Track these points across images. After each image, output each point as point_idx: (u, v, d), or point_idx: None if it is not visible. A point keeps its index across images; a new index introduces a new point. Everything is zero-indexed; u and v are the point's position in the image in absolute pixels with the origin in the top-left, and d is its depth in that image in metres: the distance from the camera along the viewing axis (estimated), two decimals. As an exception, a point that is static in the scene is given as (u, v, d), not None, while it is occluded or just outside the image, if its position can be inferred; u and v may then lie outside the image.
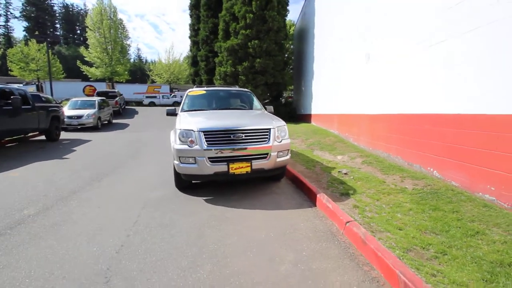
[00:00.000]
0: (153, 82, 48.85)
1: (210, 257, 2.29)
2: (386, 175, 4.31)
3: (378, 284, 1.92)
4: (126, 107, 23.16)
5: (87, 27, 28.21)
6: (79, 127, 12.48)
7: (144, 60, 78.92)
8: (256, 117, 4.35)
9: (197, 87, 5.98)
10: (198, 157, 3.55)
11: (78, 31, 65.51)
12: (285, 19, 14.19)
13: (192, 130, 3.62)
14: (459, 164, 3.45)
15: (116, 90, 20.66)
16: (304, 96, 13.90)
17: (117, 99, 18.52)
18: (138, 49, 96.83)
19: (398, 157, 4.92)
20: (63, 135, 10.09)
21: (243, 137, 3.66)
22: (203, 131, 3.59)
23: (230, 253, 2.35)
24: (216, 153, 3.55)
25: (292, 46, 19.25)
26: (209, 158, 3.55)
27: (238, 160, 3.63)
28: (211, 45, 17.17)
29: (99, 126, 13.17)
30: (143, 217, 3.14)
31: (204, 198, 3.77)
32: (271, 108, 5.37)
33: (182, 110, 4.86)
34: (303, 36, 14.53)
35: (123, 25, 29.83)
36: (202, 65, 17.64)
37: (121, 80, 32.85)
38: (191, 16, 21.37)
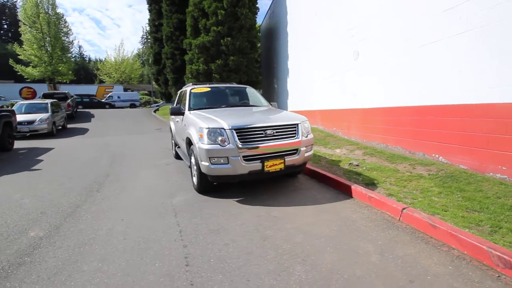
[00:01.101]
0: (101, 82, 44.76)
1: (293, 257, 2.19)
2: (395, 164, 4.61)
3: (466, 261, 2.05)
4: (78, 110, 20.86)
5: (20, 21, 24.64)
6: (28, 134, 10.89)
7: (87, 59, 71.87)
8: (277, 113, 4.29)
9: (193, 84, 5.64)
10: (232, 156, 3.35)
11: (5, 26, 56.69)
12: (256, 17, 14.21)
13: (223, 128, 3.41)
14: (467, 149, 3.86)
15: (66, 92, 18.42)
16: (278, 94, 14.12)
17: (69, 101, 16.54)
18: (80, 47, 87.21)
19: (398, 147, 5.31)
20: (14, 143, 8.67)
21: (274, 134, 3.57)
22: (235, 129, 3.41)
23: (309, 251, 2.28)
24: (251, 151, 3.40)
25: (258, 44, 19.35)
26: (243, 157, 3.38)
27: (272, 157, 3.53)
28: (177, 42, 16.37)
29: (54, 132, 11.65)
30: (184, 225, 2.87)
31: (235, 199, 3.59)
32: (275, 104, 5.34)
33: (190, 109, 4.55)
34: (273, 34, 14.72)
35: (65, 20, 26.75)
36: (168, 62, 16.67)
37: (65, 81, 29.46)
38: (150, 11, 20.03)
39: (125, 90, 38.89)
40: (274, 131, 3.58)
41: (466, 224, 2.51)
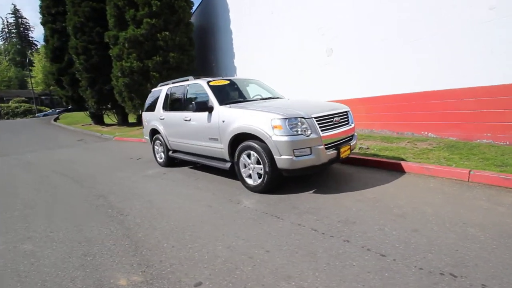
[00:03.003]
0: None
1: (456, 223, 2.35)
2: (396, 143, 5.38)
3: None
4: None
5: None
6: None
7: None
8: (316, 102, 4.32)
9: (195, 78, 4.99)
10: (316, 146, 3.23)
11: None
12: (192, 12, 13.41)
13: (303, 117, 3.22)
14: (455, 124, 4.93)
15: None
16: (223, 93, 13.80)
17: None
18: None
19: (384, 130, 6.19)
20: None
21: (340, 121, 3.63)
22: (315, 118, 3.28)
23: (451, 214, 2.49)
24: (329, 139, 3.36)
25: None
26: (325, 145, 3.30)
27: (343, 143, 3.59)
28: (91, 34, 13.70)
29: None
30: (298, 231, 2.61)
31: (309, 192, 3.45)
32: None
33: (222, 103, 4.04)
34: (209, 31, 14.25)
35: None
36: (80, 59, 13.64)
37: None
38: (43, -5, 15.90)
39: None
40: (340, 118, 3.64)
41: (513, 175, 3.26)
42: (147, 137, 6.17)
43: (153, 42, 12.04)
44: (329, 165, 3.63)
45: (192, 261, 2.16)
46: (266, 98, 4.59)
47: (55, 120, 18.83)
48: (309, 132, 3.21)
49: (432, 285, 1.70)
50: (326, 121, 3.41)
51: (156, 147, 5.88)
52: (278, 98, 4.73)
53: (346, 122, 3.79)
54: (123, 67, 11.88)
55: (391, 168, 4.11)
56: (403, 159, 4.32)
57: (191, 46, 13.28)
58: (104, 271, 2.14)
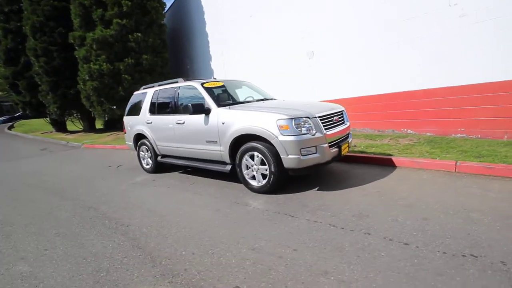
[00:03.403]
0: None
1: (465, 210, 2.56)
2: (379, 140, 5.70)
3: (530, 184, 3.07)
4: None
5: None
6: None
7: None
8: (311, 102, 4.42)
9: (186, 80, 4.85)
10: (321, 144, 3.31)
11: None
12: (164, 14, 12.99)
13: (308, 117, 3.29)
14: (432, 121, 5.36)
15: None
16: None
17: None
18: None
19: (366, 129, 6.53)
20: None
21: (338, 120, 3.77)
22: (319, 117, 3.37)
23: (463, 202, 2.71)
24: (331, 138, 3.46)
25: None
26: (329, 143, 3.40)
27: (342, 141, 3.72)
28: (53, 35, 12.66)
29: None
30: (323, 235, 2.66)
31: (313, 190, 3.53)
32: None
33: (220, 105, 3.98)
34: (183, 33, 13.93)
35: None
36: (40, 61, 12.46)
37: None
38: (-11, -9, 14.30)
39: None
40: (337, 117, 3.78)
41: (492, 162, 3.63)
42: (130, 143, 5.85)
43: (124, 44, 11.47)
44: (331, 163, 3.75)
45: (220, 266, 2.09)
46: (261, 100, 4.60)
47: (10, 128, 16.95)
48: (314, 131, 3.28)
49: (459, 266, 1.83)
50: (328, 120, 3.52)
51: (141, 153, 5.59)
52: (272, 99, 4.77)
53: (342, 121, 3.94)
54: (91, 70, 11.13)
55: (383, 163, 4.35)
56: (391, 155, 4.59)
57: (164, 48, 12.89)
58: (125, 285, 1.99)
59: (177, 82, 4.90)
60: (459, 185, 3.24)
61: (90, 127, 15.17)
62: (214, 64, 12.15)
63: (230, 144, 3.74)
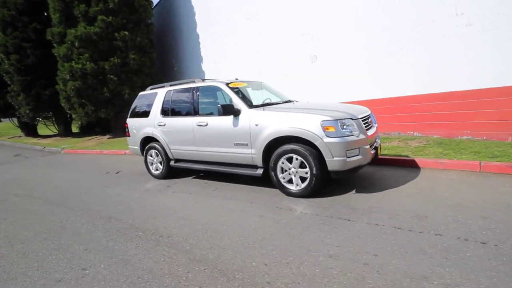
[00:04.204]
0: None
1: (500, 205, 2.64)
2: (387, 143, 5.83)
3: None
4: None
5: None
6: None
7: None
8: (336, 104, 4.41)
9: (203, 80, 4.62)
10: (363, 146, 3.29)
11: None
12: (152, 12, 12.45)
13: (351, 118, 3.25)
14: (438, 124, 5.61)
15: None
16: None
17: None
18: None
19: (371, 131, 6.70)
20: None
21: (371, 122, 3.78)
22: (361, 118, 3.35)
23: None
24: (370, 139, 3.46)
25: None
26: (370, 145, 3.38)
27: (376, 143, 3.73)
28: (27, 30, 11.57)
29: None
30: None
31: (352, 193, 3.48)
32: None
33: (251, 106, 3.82)
34: (170, 34, 13.45)
35: None
36: (11, 59, 11.19)
37: None
38: None
39: None
40: (370, 119, 3.79)
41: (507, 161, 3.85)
42: (136, 147, 5.43)
43: (110, 42, 10.82)
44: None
45: (306, 277, 1.94)
46: (284, 102, 4.51)
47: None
48: (357, 133, 3.25)
49: (551, 263, 1.86)
50: (365, 122, 3.52)
51: (150, 157, 5.21)
52: (292, 101, 4.69)
53: (372, 123, 3.97)
54: (73, 69, 10.32)
55: (406, 165, 4.44)
56: (407, 156, 4.72)
57: (152, 48, 12.39)
58: (209, 305, 1.76)
59: (193, 82, 4.65)
60: (492, 184, 3.38)
61: (66, 131, 14.03)
62: (206, 66, 11.86)
63: (265, 147, 3.58)
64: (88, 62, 10.41)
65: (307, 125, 3.26)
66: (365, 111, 3.74)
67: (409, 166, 4.40)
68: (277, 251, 2.32)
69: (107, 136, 12.49)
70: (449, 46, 5.32)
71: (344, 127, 3.19)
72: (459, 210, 2.75)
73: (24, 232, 3.23)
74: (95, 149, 9.84)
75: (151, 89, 5.35)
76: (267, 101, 4.58)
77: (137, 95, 5.67)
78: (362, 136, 3.28)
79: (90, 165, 7.51)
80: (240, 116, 3.79)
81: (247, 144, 3.77)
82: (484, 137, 5.12)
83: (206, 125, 4.16)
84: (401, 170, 4.26)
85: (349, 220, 2.76)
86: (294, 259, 2.18)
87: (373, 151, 3.48)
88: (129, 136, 5.60)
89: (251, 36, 9.30)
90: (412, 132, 6.06)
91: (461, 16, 5.07)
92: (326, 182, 3.42)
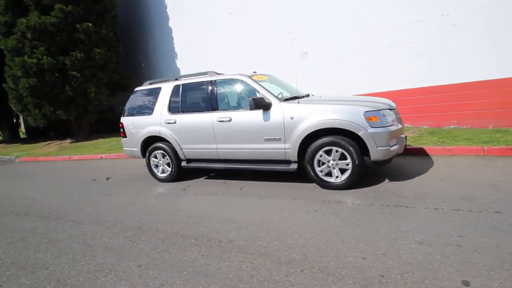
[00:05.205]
0: None
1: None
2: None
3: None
4: None
5: None
6: None
7: None
8: (357, 96, 4.50)
9: (210, 74, 4.35)
10: (400, 135, 3.40)
11: None
12: (117, 3, 11.33)
13: (389, 108, 3.35)
14: (427, 115, 6.12)
15: None
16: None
17: None
18: None
19: (364, 124, 7.03)
20: None
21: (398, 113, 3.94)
22: (392, 109, 3.45)
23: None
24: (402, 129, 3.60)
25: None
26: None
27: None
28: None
29: None
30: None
31: (386, 182, 3.59)
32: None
33: (283, 100, 3.70)
34: (137, 28, 12.42)
35: None
36: None
37: None
38: None
39: None
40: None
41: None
42: (135, 149, 4.86)
43: (70, 34, 9.62)
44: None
45: (415, 265, 1.91)
46: (302, 96, 4.45)
47: None
48: (395, 123, 3.36)
49: None
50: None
51: (154, 159, 4.71)
52: (309, 95, 4.66)
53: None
54: (26, 64, 8.90)
55: (416, 153, 4.75)
56: (410, 145, 5.06)
57: (118, 42, 11.34)
58: (339, 307, 1.62)
59: (206, 74, 4.33)
60: (502, 165, 3.78)
61: (12, 137, 12.06)
62: (181, 62, 11.24)
63: (302, 140, 3.49)
64: (44, 57, 9.09)
65: (351, 116, 3.25)
66: (392, 103, 3.88)
67: (419, 154, 4.72)
68: (363, 244, 2.25)
69: (69, 141, 11.08)
70: (435, 44, 5.84)
71: (386, 117, 3.26)
72: (497, 189, 3.00)
73: (38, 255, 2.64)
74: (61, 155, 8.63)
75: (151, 83, 4.85)
76: (279, 95, 4.48)
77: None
78: (400, 126, 3.40)
79: (65, 173, 6.55)
80: (272, 109, 3.63)
81: (280, 138, 3.63)
82: (469, 126, 5.73)
83: (230, 120, 3.90)
84: (414, 158, 4.54)
85: (407, 207, 2.82)
86: (387, 249, 2.14)
87: (405, 141, 3.64)
88: (124, 137, 5.00)
89: (234, 31, 9.06)
90: (404, 124, 6.51)
91: (447, 17, 5.59)
92: (365, 173, 3.46)
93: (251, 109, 3.61)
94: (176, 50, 11.27)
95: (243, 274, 2.01)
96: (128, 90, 12.45)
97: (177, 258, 2.32)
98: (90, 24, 9.67)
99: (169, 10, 11.15)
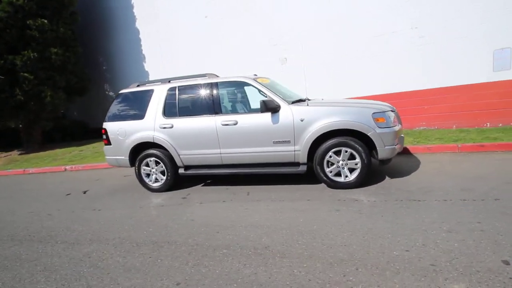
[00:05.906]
0: None
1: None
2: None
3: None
4: None
5: None
6: None
7: None
8: (354, 100, 4.71)
9: (210, 77, 4.21)
10: (401, 135, 3.65)
11: None
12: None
13: (392, 110, 3.58)
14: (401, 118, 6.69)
15: None
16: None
17: None
18: None
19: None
20: None
21: (393, 115, 4.23)
22: (393, 111, 3.70)
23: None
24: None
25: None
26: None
27: (399, 134, 4.20)
28: None
29: None
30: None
31: (388, 179, 3.83)
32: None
33: (291, 103, 3.71)
34: (98, 27, 11.45)
35: None
36: None
37: None
38: None
39: None
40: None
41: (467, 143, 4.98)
42: (121, 157, 4.42)
43: (21, 31, 8.46)
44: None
45: (457, 252, 2.03)
46: (303, 100, 4.54)
47: None
48: (397, 123, 3.60)
49: None
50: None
51: (145, 167, 4.33)
52: (309, 99, 4.76)
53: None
54: (-36, 63, 7.55)
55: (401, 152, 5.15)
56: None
57: (75, 41, 10.34)
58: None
59: (205, 76, 4.16)
60: (478, 159, 4.30)
61: None
62: (150, 66, 10.66)
63: (313, 142, 3.54)
64: (-12, 55, 7.84)
65: (360, 117, 3.40)
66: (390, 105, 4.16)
67: (404, 153, 5.12)
68: (400, 237, 2.33)
69: (17, 152, 9.64)
70: (405, 53, 6.47)
71: (390, 118, 3.49)
72: (484, 180, 3.39)
73: (38, 285, 2.21)
74: (12, 169, 7.46)
75: (139, 85, 4.49)
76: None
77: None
78: (401, 126, 3.65)
79: (26, 188, 5.68)
80: (280, 112, 3.63)
81: (289, 141, 3.63)
82: (436, 127, 6.42)
83: (235, 124, 3.78)
84: (401, 157, 4.91)
85: (419, 200, 3.03)
86: (424, 240, 2.25)
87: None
88: (108, 144, 4.52)
89: (210, 36, 8.91)
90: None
91: (415, 30, 6.24)
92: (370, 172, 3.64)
93: (262, 111, 3.55)
94: (144, 52, 10.66)
95: (300, 279, 1.94)
96: (86, 95, 11.38)
97: (217, 271, 2.14)
98: (45, 21, 8.64)
99: (136, 11, 10.52)
